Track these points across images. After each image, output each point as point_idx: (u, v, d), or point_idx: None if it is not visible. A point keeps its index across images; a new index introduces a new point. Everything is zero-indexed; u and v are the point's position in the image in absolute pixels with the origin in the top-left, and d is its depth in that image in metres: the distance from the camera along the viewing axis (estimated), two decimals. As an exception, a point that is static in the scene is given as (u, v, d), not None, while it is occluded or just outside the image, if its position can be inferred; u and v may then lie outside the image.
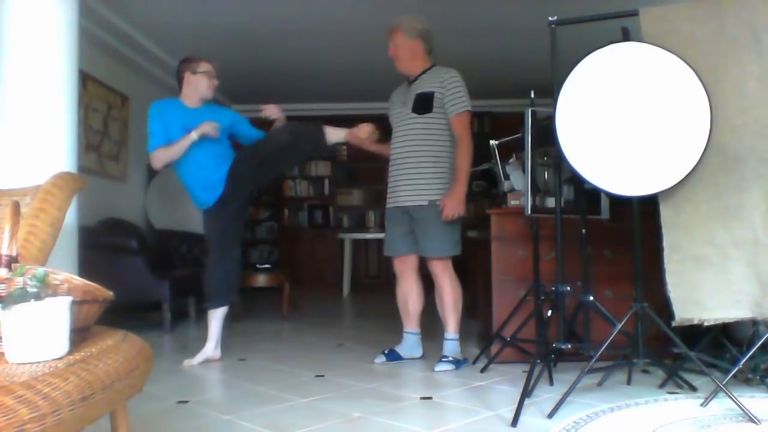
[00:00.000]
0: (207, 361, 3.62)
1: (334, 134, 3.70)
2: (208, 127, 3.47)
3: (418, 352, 3.68)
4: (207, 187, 3.62)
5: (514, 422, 2.33)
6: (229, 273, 3.74)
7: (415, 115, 3.49)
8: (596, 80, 2.72)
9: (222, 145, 3.65)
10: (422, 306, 3.70)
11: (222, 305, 3.71)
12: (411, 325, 3.70)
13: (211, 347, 3.66)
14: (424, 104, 3.47)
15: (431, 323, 3.87)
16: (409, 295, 3.67)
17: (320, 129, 3.67)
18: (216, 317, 3.69)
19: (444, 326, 3.55)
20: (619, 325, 2.65)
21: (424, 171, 3.46)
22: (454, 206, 3.37)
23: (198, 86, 3.65)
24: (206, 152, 3.56)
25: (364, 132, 3.64)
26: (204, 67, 3.67)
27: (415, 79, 3.57)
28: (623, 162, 2.66)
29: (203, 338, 3.72)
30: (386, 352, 3.64)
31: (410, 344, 3.68)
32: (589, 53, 2.75)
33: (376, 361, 3.60)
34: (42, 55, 3.40)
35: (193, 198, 3.72)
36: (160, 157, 3.54)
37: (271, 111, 3.71)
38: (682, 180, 2.62)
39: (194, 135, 3.46)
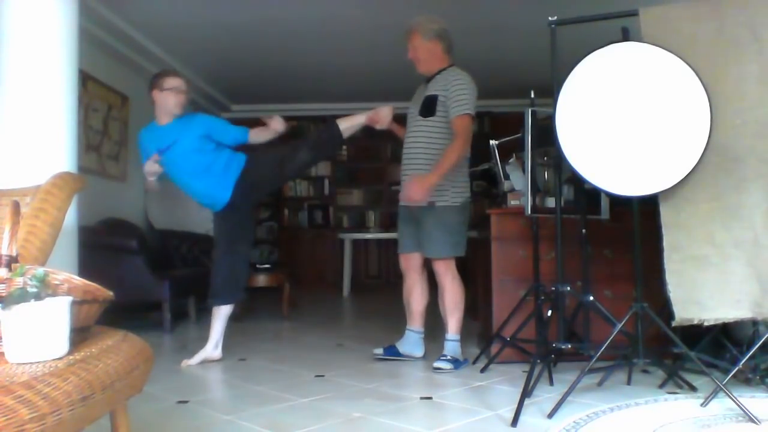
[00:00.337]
0: (205, 361, 3.61)
1: (350, 125, 3.71)
2: (148, 170, 3.50)
3: (419, 352, 3.68)
4: (204, 196, 3.63)
5: (514, 422, 2.33)
6: (235, 270, 3.72)
7: (421, 117, 3.51)
8: (596, 80, 2.72)
9: (203, 153, 3.56)
10: (426, 305, 3.71)
11: (226, 303, 3.70)
12: (414, 323, 3.71)
13: (210, 347, 3.65)
14: (428, 107, 3.49)
15: (434, 323, 3.87)
16: (413, 292, 3.69)
17: (335, 130, 3.69)
18: (219, 316, 3.68)
19: (445, 326, 3.56)
20: (619, 325, 2.65)
21: (425, 173, 3.47)
22: (417, 189, 3.31)
23: (165, 104, 3.58)
24: (190, 165, 3.54)
25: (387, 114, 3.70)
26: (170, 83, 3.58)
27: (431, 79, 3.58)
28: (623, 162, 2.66)
29: (203, 338, 3.72)
30: (386, 347, 3.68)
31: (411, 342, 3.69)
32: (589, 53, 2.75)
33: (375, 351, 3.65)
34: (42, 55, 3.40)
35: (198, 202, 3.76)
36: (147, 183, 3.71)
37: (277, 125, 3.70)
38: (682, 180, 2.61)
39: (148, 182, 3.60)
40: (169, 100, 3.57)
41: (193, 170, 3.54)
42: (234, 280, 3.72)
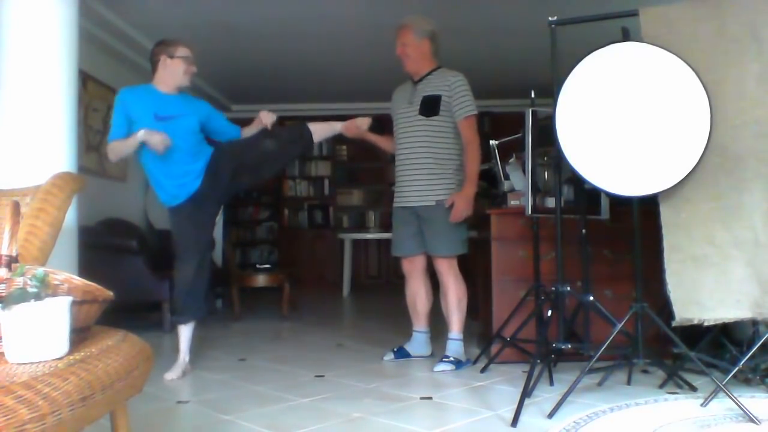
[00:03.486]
0: (186, 372, 3.37)
1: (323, 131, 3.62)
2: (157, 140, 3.07)
3: (428, 351, 3.71)
4: (178, 180, 3.31)
5: (514, 422, 2.33)
6: (206, 284, 3.50)
7: (422, 117, 3.51)
8: (596, 80, 2.72)
9: (195, 139, 3.34)
10: (431, 305, 3.73)
11: (195, 319, 3.46)
12: (419, 323, 3.74)
13: (187, 358, 3.41)
14: (431, 107, 3.50)
15: (436, 322, 3.87)
16: (418, 294, 3.71)
17: (305, 131, 3.54)
18: (188, 329, 3.44)
19: (448, 326, 3.58)
20: (619, 325, 2.65)
21: (431, 172, 3.50)
22: (464, 206, 3.42)
23: (175, 72, 3.32)
24: (185, 144, 3.27)
25: (363, 122, 3.66)
26: (182, 51, 3.33)
27: (421, 80, 3.58)
28: (623, 162, 2.66)
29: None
30: (395, 350, 3.69)
31: (419, 342, 3.72)
32: (589, 53, 2.75)
33: (385, 358, 3.65)
34: (42, 55, 3.40)
35: (159, 191, 3.38)
36: (114, 150, 3.22)
37: (268, 118, 3.46)
38: (682, 180, 2.61)
39: (140, 136, 3.09)
40: (179, 68, 3.32)
41: (186, 150, 3.26)
42: (205, 294, 3.52)
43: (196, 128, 3.36)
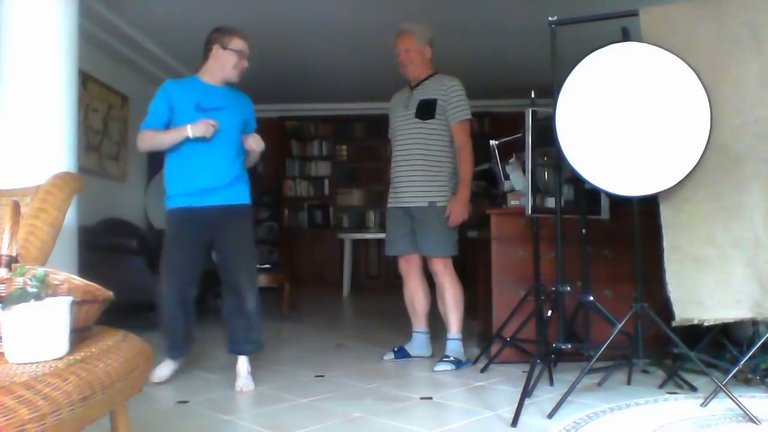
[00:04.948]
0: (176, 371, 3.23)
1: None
2: (205, 127, 2.95)
3: (428, 351, 3.72)
4: (192, 185, 3.06)
5: (514, 422, 2.33)
6: (177, 313, 3.12)
7: (418, 120, 3.55)
8: (596, 80, 2.72)
9: (236, 136, 3.11)
10: (429, 305, 3.74)
11: (174, 357, 3.21)
12: (419, 324, 3.75)
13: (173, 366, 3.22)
14: (427, 110, 3.53)
15: (434, 323, 3.87)
16: (416, 294, 3.72)
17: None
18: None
19: (446, 326, 3.58)
20: (619, 325, 2.65)
21: (425, 174, 3.53)
22: (460, 211, 3.46)
23: (224, 64, 3.14)
24: (226, 141, 3.06)
25: None
26: (236, 44, 3.16)
27: (418, 85, 3.62)
28: (623, 162, 2.66)
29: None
30: (396, 349, 3.69)
31: (419, 343, 3.73)
32: (589, 53, 2.75)
33: (385, 358, 3.66)
34: (42, 55, 3.40)
35: (168, 185, 3.14)
36: (147, 140, 3.08)
37: (255, 143, 3.17)
38: (682, 180, 2.61)
39: (189, 131, 2.95)
40: (230, 61, 3.14)
41: (225, 145, 3.06)
42: (177, 328, 3.19)
43: (238, 125, 3.14)
